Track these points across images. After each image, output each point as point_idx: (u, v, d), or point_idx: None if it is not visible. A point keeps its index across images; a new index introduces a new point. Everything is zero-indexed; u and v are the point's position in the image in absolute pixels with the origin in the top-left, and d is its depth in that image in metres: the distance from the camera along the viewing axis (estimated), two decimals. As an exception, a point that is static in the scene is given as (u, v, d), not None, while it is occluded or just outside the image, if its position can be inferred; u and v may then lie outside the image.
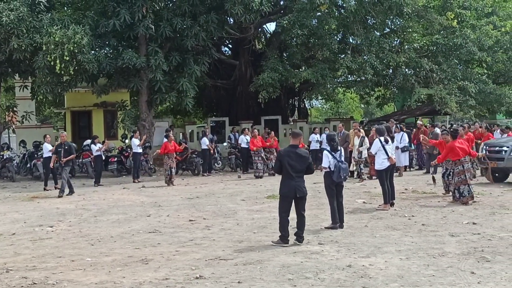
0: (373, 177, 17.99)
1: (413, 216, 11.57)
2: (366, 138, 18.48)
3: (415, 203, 13.25)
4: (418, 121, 23.38)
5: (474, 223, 10.60)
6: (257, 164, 21.02)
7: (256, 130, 22.45)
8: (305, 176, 9.26)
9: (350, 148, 19.05)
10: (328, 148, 10.57)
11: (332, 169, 10.31)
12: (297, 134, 9.68)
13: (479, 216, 11.42)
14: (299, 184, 9.07)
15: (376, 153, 12.55)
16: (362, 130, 19.76)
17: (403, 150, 19.83)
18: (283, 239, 9.13)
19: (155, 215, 12.62)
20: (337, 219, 10.33)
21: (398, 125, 20.78)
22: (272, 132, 22.82)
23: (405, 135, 20.10)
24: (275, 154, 21.55)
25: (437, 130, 20.49)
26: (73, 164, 20.15)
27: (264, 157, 21.20)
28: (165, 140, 19.53)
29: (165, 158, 19.06)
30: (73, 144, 17.90)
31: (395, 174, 19.29)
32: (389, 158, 12.37)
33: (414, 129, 23.36)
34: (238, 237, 9.87)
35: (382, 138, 12.48)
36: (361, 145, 18.41)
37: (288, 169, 9.06)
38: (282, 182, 9.19)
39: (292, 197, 9.10)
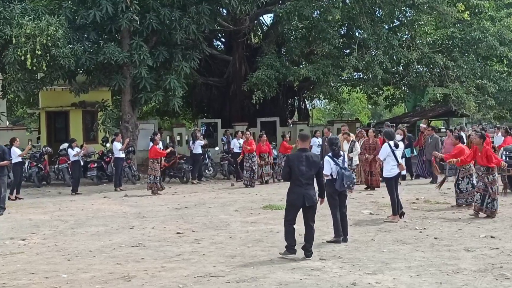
0: (376, 188, 18.09)
1: (424, 228, 11.60)
2: (356, 143, 18.44)
3: (427, 215, 13.27)
4: (421, 124, 23.27)
5: (492, 237, 10.63)
6: (245, 171, 20.95)
7: (248, 133, 22.41)
8: None
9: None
10: (330, 154, 10.62)
11: (335, 177, 10.35)
12: (306, 136, 9.77)
13: (497, 229, 11.45)
14: (308, 192, 9.16)
15: (384, 159, 12.55)
16: (352, 134, 19.72)
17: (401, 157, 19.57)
18: (290, 249, 9.21)
19: (139, 227, 12.61)
20: (341, 232, 10.35)
21: (400, 129, 20.73)
22: (264, 135, 22.78)
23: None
24: (267, 159, 21.51)
25: (435, 135, 20.71)
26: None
27: (253, 163, 20.92)
28: (151, 144, 19.51)
29: (153, 163, 19.00)
30: (5, 147, 16.18)
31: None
32: (399, 164, 12.38)
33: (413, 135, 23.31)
34: (230, 252, 9.88)
35: (391, 143, 12.48)
36: (351, 150, 18.21)
37: (297, 175, 9.14)
38: (290, 189, 9.31)
39: (300, 205, 9.19)
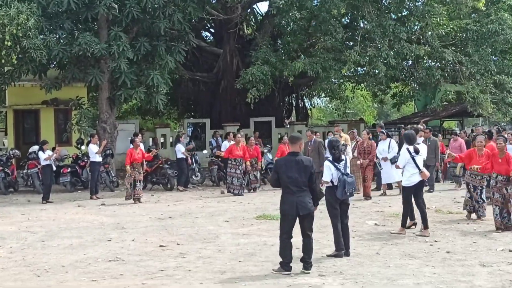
0: (366, 198, 18.09)
1: (436, 241, 11.65)
2: (348, 147, 18.29)
3: (438, 226, 13.32)
4: (419, 125, 23.11)
5: (510, 251, 10.70)
6: (232, 178, 20.89)
7: (239, 135, 22.41)
8: None
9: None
10: (330, 158, 10.62)
11: (336, 184, 10.36)
12: (296, 138, 9.71)
13: (517, 241, 11.51)
14: (301, 200, 9.18)
15: (404, 166, 12.40)
16: (344, 135, 19.55)
17: (393, 161, 19.16)
18: (284, 265, 9.24)
19: (117, 239, 12.59)
20: (342, 245, 10.38)
21: (384, 130, 20.44)
22: (252, 137, 22.71)
23: (393, 142, 19.50)
24: (255, 165, 21.42)
25: (433, 137, 20.60)
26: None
27: (240, 169, 20.89)
28: (131, 146, 19.53)
29: (129, 169, 19.00)
30: None
31: (380, 192, 19.42)
32: (420, 172, 12.17)
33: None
34: (219, 267, 9.89)
35: (411, 148, 12.29)
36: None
37: (286, 182, 9.19)
38: (282, 198, 9.36)
39: (294, 215, 9.21)
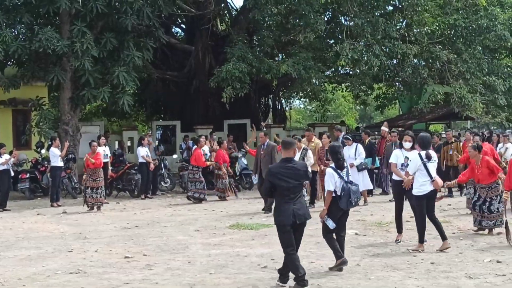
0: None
1: (419, 251, 11.72)
2: (309, 151, 17.84)
3: (423, 235, 13.41)
4: (382, 127, 22.82)
5: (498, 262, 10.78)
6: (195, 182, 20.72)
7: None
8: None
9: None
10: (333, 165, 10.39)
11: (339, 193, 10.11)
12: (290, 143, 9.54)
13: (505, 252, 11.60)
14: (298, 207, 9.11)
15: (414, 173, 11.99)
16: (316, 141, 19.08)
17: (360, 168, 18.71)
18: (300, 281, 9.04)
19: (79, 250, 12.54)
20: (340, 252, 10.24)
21: (349, 135, 20.26)
22: (224, 142, 22.59)
23: (360, 148, 19.06)
24: (225, 170, 21.30)
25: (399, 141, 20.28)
26: None
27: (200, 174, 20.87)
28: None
29: (85, 175, 18.92)
30: None
31: (362, 204, 19.23)
32: (432, 180, 11.81)
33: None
34: (189, 280, 9.88)
35: (423, 153, 11.91)
36: (302, 161, 16.78)
37: (284, 190, 9.10)
38: (277, 208, 9.25)
39: (290, 225, 9.10)
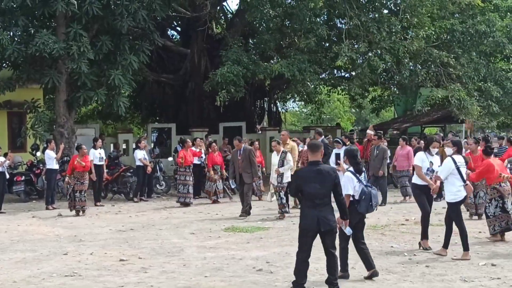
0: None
1: (414, 255, 11.75)
2: (289, 154, 17.23)
3: (417, 239, 13.38)
4: (368, 130, 22.57)
5: (493, 265, 10.82)
6: (179, 185, 20.77)
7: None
8: None
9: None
10: (351, 169, 10.13)
11: (357, 198, 9.91)
12: (316, 146, 9.31)
13: (499, 255, 11.64)
14: (324, 215, 8.89)
15: (446, 178, 11.74)
16: (291, 144, 18.58)
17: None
18: (297, 286, 9.01)
19: (74, 252, 12.53)
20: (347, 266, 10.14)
21: (338, 138, 19.97)
22: (214, 144, 22.52)
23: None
24: (212, 173, 21.21)
25: (383, 145, 20.08)
26: None
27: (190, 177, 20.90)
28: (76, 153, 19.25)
29: (67, 179, 18.82)
30: None
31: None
32: (465, 185, 11.64)
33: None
34: (184, 283, 9.89)
35: (457, 158, 11.72)
36: (281, 164, 17.05)
37: (309, 195, 8.92)
38: (302, 212, 9.11)
39: (314, 231, 8.92)
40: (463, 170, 11.67)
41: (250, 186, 18.05)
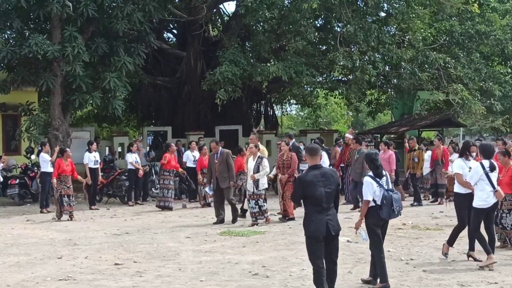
0: (287, 218, 16.98)
1: (411, 259, 11.76)
2: (265, 160, 16.74)
3: (415, 243, 13.44)
4: (347, 134, 22.32)
5: (490, 270, 10.81)
6: (163, 189, 20.67)
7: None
8: None
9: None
10: (371, 173, 9.94)
11: (379, 203, 9.69)
12: (315, 150, 9.16)
13: (497, 259, 11.62)
14: (331, 218, 8.78)
15: (476, 184, 11.44)
16: (261, 147, 18.14)
17: None
18: None
19: (68, 256, 12.52)
20: (387, 277, 9.78)
21: (316, 141, 19.92)
22: (204, 148, 22.40)
23: (325, 156, 18.69)
24: (200, 176, 21.07)
25: (364, 149, 19.45)
26: None
27: (173, 180, 20.89)
28: (60, 156, 19.08)
29: (55, 182, 18.60)
30: None
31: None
32: (495, 191, 11.33)
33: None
34: (179, 287, 9.90)
35: (486, 163, 11.42)
36: (257, 169, 16.53)
37: (317, 199, 8.74)
38: (308, 217, 8.85)
39: (323, 236, 8.73)
40: (494, 176, 11.36)
41: (229, 189, 17.23)
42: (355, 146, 19.70)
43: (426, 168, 21.18)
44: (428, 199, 21.85)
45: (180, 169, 21.38)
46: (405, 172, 21.94)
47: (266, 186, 17.09)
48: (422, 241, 13.71)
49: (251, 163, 16.75)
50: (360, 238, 10.96)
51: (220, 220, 16.95)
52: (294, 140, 19.62)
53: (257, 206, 16.54)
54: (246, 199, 17.48)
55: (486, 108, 27.40)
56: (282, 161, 17.28)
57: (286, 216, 17.04)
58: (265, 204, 16.72)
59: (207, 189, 18.77)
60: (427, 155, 21.36)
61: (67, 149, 19.35)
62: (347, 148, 20.88)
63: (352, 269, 10.95)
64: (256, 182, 16.44)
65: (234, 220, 17.08)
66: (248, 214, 17.16)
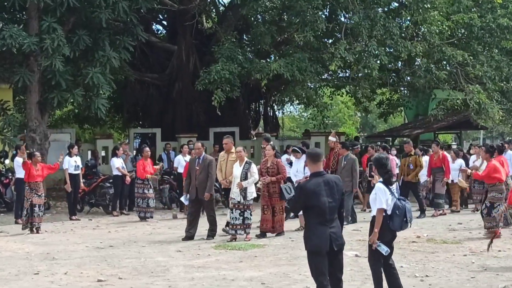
0: (279, 234, 16.74)
1: (427, 276, 11.74)
2: (253, 165, 16.43)
3: (430, 258, 13.42)
4: (330, 137, 22.10)
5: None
6: (138, 199, 20.82)
7: (186, 147, 22.45)
8: None
9: (225, 183, 17.76)
10: (381, 180, 9.87)
11: (389, 213, 9.65)
12: (318, 155, 9.06)
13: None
14: (334, 231, 8.72)
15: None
16: (233, 151, 17.71)
17: None
18: None
19: (46, 272, 12.49)
20: None
21: (296, 147, 19.70)
22: (185, 147, 22.44)
23: None
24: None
25: (351, 154, 19.56)
26: None
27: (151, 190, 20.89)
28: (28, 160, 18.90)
29: (25, 190, 18.41)
30: None
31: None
32: None
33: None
34: (169, 306, 9.88)
35: None
36: (245, 177, 16.19)
37: (319, 210, 8.66)
38: (310, 230, 8.79)
39: (326, 250, 8.66)
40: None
41: (211, 202, 16.80)
42: (341, 151, 19.34)
43: (423, 176, 21.15)
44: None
45: (150, 176, 21.12)
46: (399, 179, 21.69)
47: (255, 195, 16.68)
48: (438, 255, 13.69)
49: (237, 170, 16.34)
50: (365, 252, 10.96)
51: (189, 237, 16.36)
52: (272, 143, 19.20)
53: (241, 218, 16.05)
54: (229, 209, 16.86)
55: (507, 111, 27.37)
56: (266, 168, 16.82)
57: (265, 232, 16.62)
58: (250, 217, 16.22)
59: (182, 198, 17.95)
60: (424, 161, 21.31)
61: (36, 153, 18.99)
62: (332, 152, 20.10)
63: (361, 286, 10.95)
64: (243, 191, 16.02)
65: (209, 237, 16.49)
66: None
